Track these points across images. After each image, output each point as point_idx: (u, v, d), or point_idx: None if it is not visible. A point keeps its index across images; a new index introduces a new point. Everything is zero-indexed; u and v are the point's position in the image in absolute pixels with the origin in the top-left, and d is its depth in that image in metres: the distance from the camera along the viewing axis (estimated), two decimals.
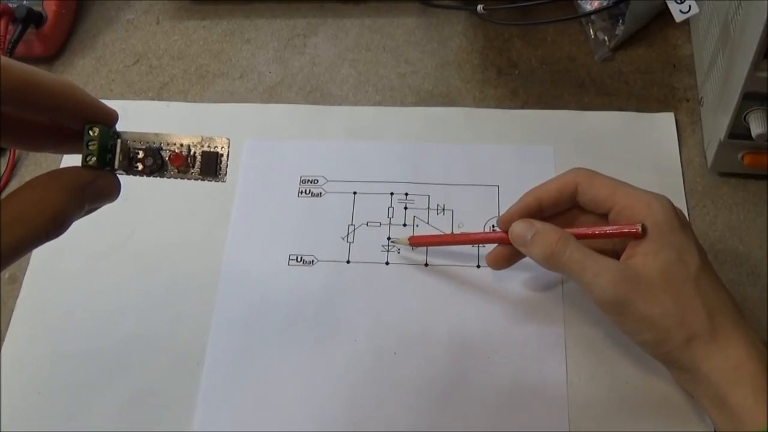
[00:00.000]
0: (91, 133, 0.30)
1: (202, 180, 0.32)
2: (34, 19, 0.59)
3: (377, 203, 0.52)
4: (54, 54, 0.62)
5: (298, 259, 0.50)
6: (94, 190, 0.30)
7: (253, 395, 0.46)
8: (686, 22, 0.53)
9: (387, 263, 0.50)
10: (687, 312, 0.38)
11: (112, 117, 0.31)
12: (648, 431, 0.43)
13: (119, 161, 0.31)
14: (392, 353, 0.46)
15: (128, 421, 0.45)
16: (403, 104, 0.57)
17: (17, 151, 0.57)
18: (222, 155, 0.32)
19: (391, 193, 0.52)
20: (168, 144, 0.32)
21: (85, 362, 0.48)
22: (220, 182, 0.32)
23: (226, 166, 0.32)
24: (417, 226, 0.51)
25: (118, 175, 0.32)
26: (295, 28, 0.62)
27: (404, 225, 0.51)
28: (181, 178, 0.32)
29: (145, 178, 0.32)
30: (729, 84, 0.46)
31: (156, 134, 0.32)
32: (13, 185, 0.56)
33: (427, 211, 0.51)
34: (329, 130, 0.56)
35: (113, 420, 0.46)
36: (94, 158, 0.30)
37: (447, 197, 0.52)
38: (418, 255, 0.50)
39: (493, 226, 0.50)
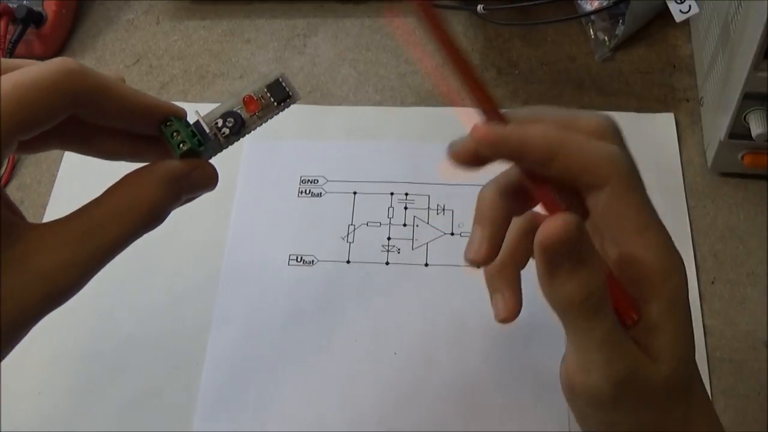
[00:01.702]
0: (169, 126, 0.31)
1: (282, 110, 0.33)
2: (34, 19, 0.59)
3: (377, 203, 0.52)
4: (54, 54, 0.62)
5: (298, 259, 0.50)
6: (191, 180, 0.31)
7: (253, 395, 0.46)
8: (686, 22, 0.53)
9: (387, 263, 0.50)
10: (663, 426, 0.30)
11: (181, 113, 0.32)
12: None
13: (210, 133, 0.32)
14: (392, 353, 0.46)
15: (128, 422, 0.45)
16: (403, 104, 0.57)
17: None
18: (282, 80, 0.33)
19: (391, 193, 0.52)
20: (234, 105, 0.32)
21: (85, 362, 0.48)
22: (297, 101, 0.33)
23: (293, 86, 0.33)
24: (417, 226, 0.51)
25: (217, 153, 0.32)
26: (295, 28, 0.62)
27: (404, 225, 0.51)
28: (264, 122, 0.33)
29: (235, 144, 0.33)
30: (729, 84, 0.46)
31: (218, 106, 0.32)
32: (13, 185, 0.56)
33: (427, 211, 0.51)
34: (329, 130, 0.56)
35: (113, 420, 0.46)
36: (186, 144, 0.31)
37: (447, 197, 0.52)
38: (418, 255, 0.50)
39: None
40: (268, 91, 0.33)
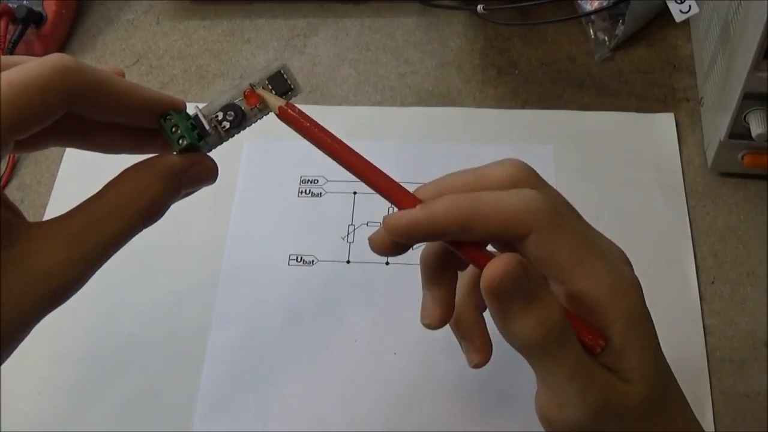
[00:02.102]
0: (168, 120, 0.31)
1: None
2: (34, 19, 0.59)
3: (377, 203, 0.51)
4: None
5: (298, 259, 0.50)
6: (190, 175, 0.31)
7: (253, 395, 0.46)
8: (686, 22, 0.53)
9: (387, 263, 0.50)
10: None
11: (180, 105, 0.31)
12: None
13: (210, 127, 0.31)
14: (392, 353, 0.46)
15: (128, 422, 0.45)
16: (403, 104, 0.57)
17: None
18: (284, 71, 0.32)
19: None
20: (234, 97, 0.32)
21: (85, 362, 0.48)
22: (298, 94, 0.33)
23: (294, 78, 0.32)
24: None
25: (216, 146, 0.32)
26: (295, 28, 0.62)
27: None
28: (265, 115, 0.32)
29: (236, 136, 0.32)
30: (729, 84, 0.46)
31: (218, 97, 0.32)
32: (13, 185, 0.56)
33: None
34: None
35: (113, 420, 0.46)
36: (185, 140, 0.31)
37: None
38: (418, 255, 0.50)
39: None
40: (269, 83, 0.32)
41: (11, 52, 0.58)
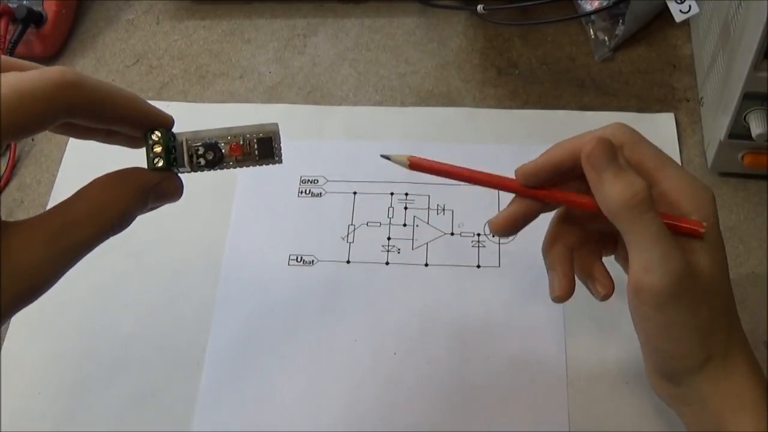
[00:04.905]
0: (154, 137, 0.32)
1: (260, 165, 0.34)
2: (34, 19, 0.59)
3: (377, 203, 0.52)
4: (54, 54, 0.62)
5: (298, 259, 0.50)
6: (158, 190, 0.32)
7: (253, 395, 0.46)
8: (686, 22, 0.53)
9: (387, 263, 0.50)
10: (713, 330, 0.34)
11: (168, 121, 0.33)
12: (648, 431, 0.43)
13: (187, 159, 0.33)
14: (392, 353, 0.46)
15: (128, 421, 0.45)
16: (403, 104, 0.57)
17: (17, 152, 0.57)
18: (274, 139, 0.34)
19: (391, 193, 0.52)
20: (221, 137, 0.33)
21: (84, 362, 0.48)
22: (277, 164, 0.34)
23: (280, 149, 0.34)
24: (417, 226, 0.51)
25: (184, 173, 0.33)
26: (295, 28, 0.62)
27: (404, 225, 0.51)
28: (240, 167, 0.34)
29: (206, 172, 0.33)
30: (729, 84, 0.46)
31: (208, 130, 0.33)
32: (13, 185, 0.56)
33: (427, 211, 0.51)
34: (329, 130, 0.56)
35: (113, 420, 0.46)
36: (162, 161, 0.32)
37: (447, 197, 0.52)
38: (418, 255, 0.50)
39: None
40: (257, 143, 0.34)
41: (11, 53, 0.58)
